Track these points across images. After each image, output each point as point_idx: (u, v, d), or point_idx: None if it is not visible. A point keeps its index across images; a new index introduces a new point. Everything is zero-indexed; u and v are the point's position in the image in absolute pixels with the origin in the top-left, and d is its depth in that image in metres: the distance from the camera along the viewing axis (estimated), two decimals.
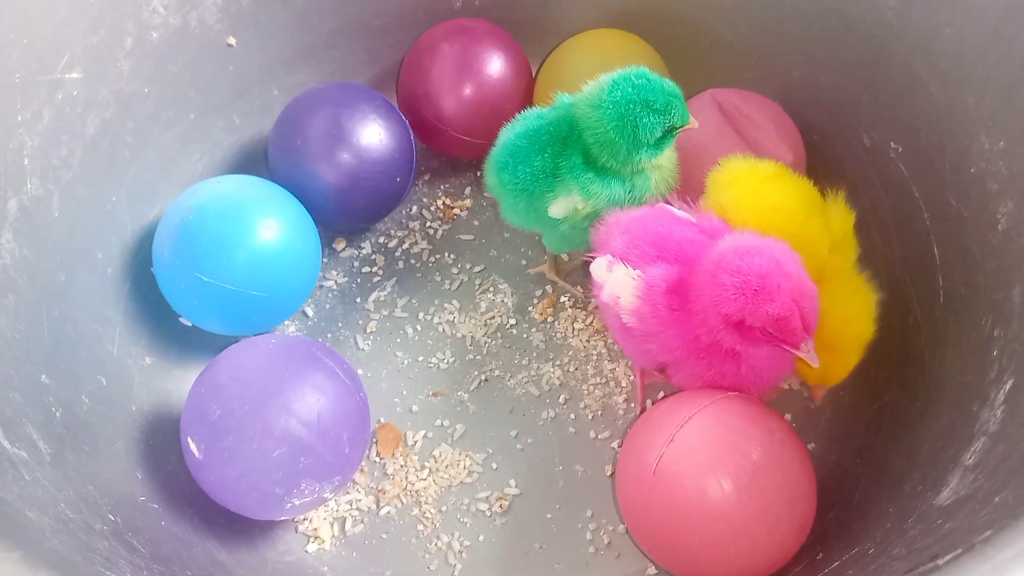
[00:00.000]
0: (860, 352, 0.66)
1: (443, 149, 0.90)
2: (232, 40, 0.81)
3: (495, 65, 0.85)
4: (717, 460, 0.59)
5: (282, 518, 0.69)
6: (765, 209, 0.67)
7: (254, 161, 0.85)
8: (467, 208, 0.90)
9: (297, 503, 0.65)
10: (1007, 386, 0.57)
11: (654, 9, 0.88)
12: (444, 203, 0.90)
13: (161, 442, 0.71)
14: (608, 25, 0.89)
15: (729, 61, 0.87)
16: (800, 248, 0.59)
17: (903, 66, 0.71)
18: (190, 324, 0.77)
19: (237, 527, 0.69)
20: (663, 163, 0.70)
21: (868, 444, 0.70)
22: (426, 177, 0.92)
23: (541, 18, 0.93)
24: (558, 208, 0.71)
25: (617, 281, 0.64)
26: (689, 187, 0.72)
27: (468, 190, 0.91)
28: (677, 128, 0.68)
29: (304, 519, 0.73)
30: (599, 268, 0.66)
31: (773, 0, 0.80)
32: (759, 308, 0.56)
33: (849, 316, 0.65)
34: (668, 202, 0.69)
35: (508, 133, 0.73)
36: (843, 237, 0.68)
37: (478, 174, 0.89)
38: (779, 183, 0.69)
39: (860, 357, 0.66)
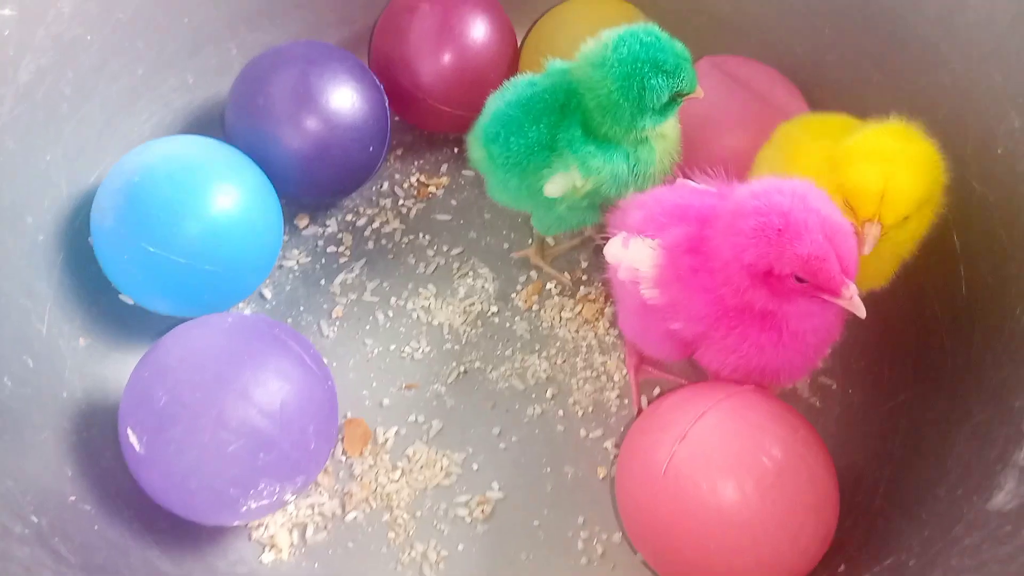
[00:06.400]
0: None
1: (419, 120, 0.86)
2: None
3: (479, 29, 0.80)
4: (736, 460, 0.55)
5: (235, 523, 0.65)
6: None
7: (208, 126, 0.80)
8: (444, 186, 0.85)
9: (253, 506, 0.60)
10: None
11: None
12: (418, 180, 0.86)
13: (96, 434, 0.66)
14: None
15: (727, 35, 0.84)
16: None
17: (922, 41, 0.68)
18: (132, 302, 0.73)
19: (182, 533, 0.65)
20: (667, 132, 0.67)
21: (885, 446, 0.68)
22: (398, 152, 0.88)
23: None
24: (554, 186, 0.67)
25: (635, 254, 0.59)
26: (696, 158, 0.67)
27: (445, 167, 0.87)
28: (684, 94, 0.64)
29: (259, 525, 0.69)
30: (615, 247, 0.61)
31: None
32: (786, 250, 0.50)
33: None
34: (688, 177, 0.64)
35: (497, 101, 0.69)
36: None
37: (456, 150, 0.87)
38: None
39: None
